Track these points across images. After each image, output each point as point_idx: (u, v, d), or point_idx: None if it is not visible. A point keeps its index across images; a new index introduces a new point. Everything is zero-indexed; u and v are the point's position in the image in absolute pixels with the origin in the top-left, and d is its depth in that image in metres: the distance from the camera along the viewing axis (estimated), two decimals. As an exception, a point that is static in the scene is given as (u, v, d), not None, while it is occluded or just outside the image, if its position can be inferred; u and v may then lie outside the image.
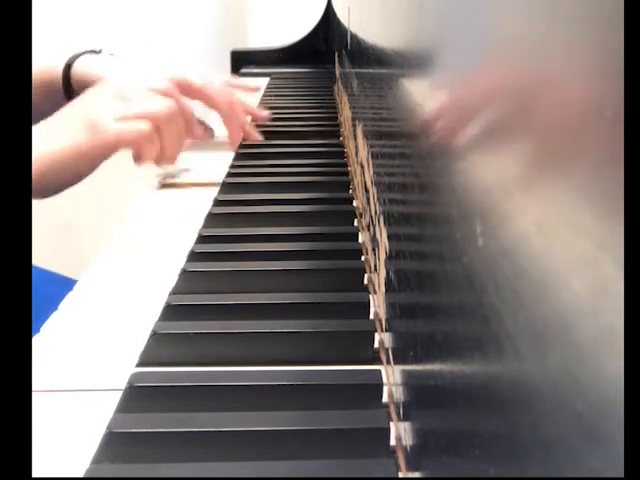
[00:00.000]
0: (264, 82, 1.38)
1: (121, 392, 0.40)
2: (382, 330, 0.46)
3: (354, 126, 0.74)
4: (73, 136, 0.70)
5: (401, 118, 0.39)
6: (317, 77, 1.40)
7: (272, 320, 0.47)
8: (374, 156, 0.53)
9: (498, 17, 0.22)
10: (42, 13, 1.39)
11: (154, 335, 0.46)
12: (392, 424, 0.38)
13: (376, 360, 0.45)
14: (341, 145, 0.91)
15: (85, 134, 0.71)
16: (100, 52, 0.85)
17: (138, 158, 0.74)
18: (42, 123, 0.72)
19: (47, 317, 0.50)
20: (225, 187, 0.76)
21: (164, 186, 0.81)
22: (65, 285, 0.57)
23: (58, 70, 0.81)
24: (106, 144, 0.71)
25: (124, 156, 0.74)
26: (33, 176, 0.65)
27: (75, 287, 0.55)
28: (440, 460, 0.27)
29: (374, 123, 0.55)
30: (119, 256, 0.61)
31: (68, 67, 0.81)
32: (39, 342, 0.47)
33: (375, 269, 0.50)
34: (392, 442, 0.37)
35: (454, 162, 0.26)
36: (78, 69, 0.81)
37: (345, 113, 0.93)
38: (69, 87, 0.82)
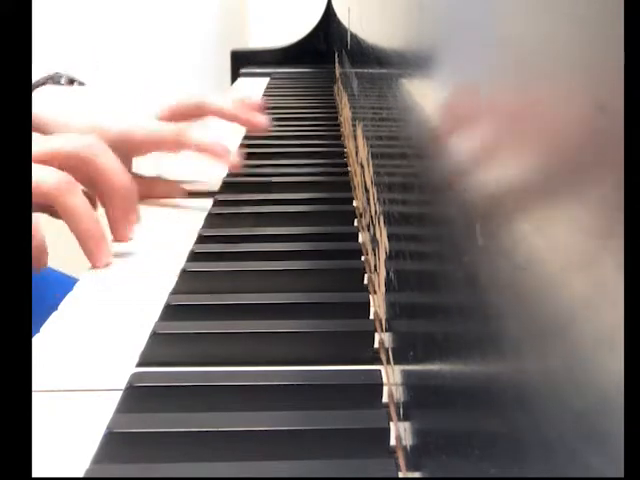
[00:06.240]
0: (264, 82, 1.38)
1: (121, 392, 0.40)
2: (382, 330, 0.46)
3: (354, 126, 0.74)
4: None
5: (401, 118, 0.39)
6: (317, 77, 1.40)
7: (272, 320, 0.47)
8: (374, 156, 0.53)
9: (499, 17, 0.22)
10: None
11: (154, 335, 0.46)
12: (392, 424, 0.38)
13: (376, 360, 0.45)
14: (341, 145, 0.91)
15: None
16: (60, 79, 0.71)
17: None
18: None
19: (47, 317, 0.50)
20: (225, 187, 0.76)
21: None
22: (65, 285, 0.56)
23: None
24: None
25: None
26: None
27: (75, 287, 0.55)
28: (440, 460, 0.27)
29: (374, 123, 0.55)
30: (119, 256, 0.61)
31: None
32: (39, 342, 0.47)
33: (375, 269, 0.50)
34: (392, 442, 0.37)
35: (454, 162, 0.26)
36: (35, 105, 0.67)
37: (345, 113, 0.93)
38: None
